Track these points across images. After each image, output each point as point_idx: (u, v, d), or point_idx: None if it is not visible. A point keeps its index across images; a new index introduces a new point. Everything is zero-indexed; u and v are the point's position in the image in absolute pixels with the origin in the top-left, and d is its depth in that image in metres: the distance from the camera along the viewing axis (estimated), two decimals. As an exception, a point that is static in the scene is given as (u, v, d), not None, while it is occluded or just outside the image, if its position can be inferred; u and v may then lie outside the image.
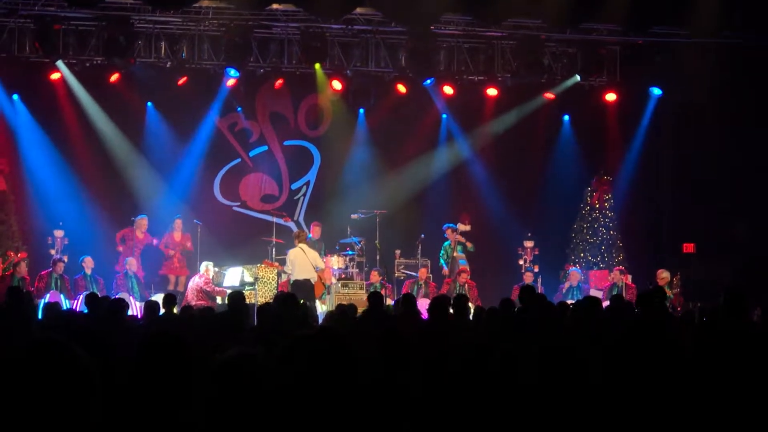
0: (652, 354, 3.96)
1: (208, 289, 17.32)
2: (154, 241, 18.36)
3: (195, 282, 17.55)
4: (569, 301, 13.91)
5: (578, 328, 8.22)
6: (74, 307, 16.14)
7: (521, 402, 4.07)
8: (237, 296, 9.96)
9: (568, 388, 4.00)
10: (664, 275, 17.58)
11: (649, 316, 8.75)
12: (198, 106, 19.72)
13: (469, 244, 19.19)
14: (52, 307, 12.61)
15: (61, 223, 18.22)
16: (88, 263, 17.47)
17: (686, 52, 19.00)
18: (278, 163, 20.82)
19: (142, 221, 18.33)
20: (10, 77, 18.68)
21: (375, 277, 18.29)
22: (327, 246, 18.96)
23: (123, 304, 10.78)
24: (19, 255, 17.58)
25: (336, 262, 18.65)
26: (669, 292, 16.78)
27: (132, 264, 17.73)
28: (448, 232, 19.20)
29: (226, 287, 17.28)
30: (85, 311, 13.13)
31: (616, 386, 3.96)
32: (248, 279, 18.04)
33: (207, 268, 17.73)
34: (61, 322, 9.05)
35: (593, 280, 19.57)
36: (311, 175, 20.97)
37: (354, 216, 19.39)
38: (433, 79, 19.60)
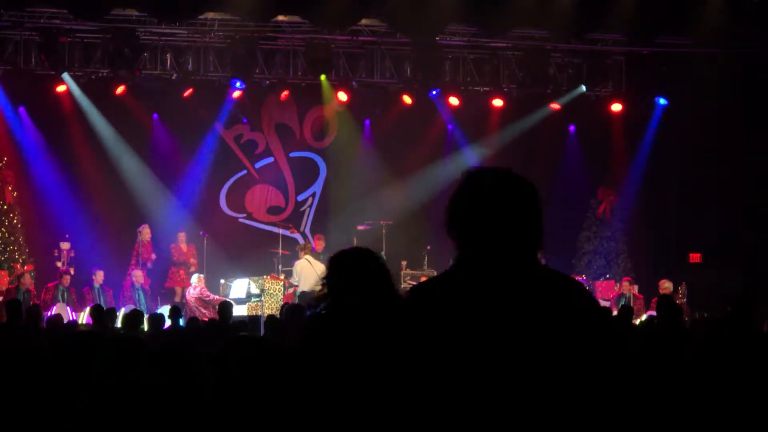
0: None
1: (205, 298, 17.36)
2: (153, 257, 18.33)
3: (191, 294, 17.65)
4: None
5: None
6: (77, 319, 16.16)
7: None
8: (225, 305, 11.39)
9: None
10: (666, 285, 17.53)
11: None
12: (203, 118, 19.73)
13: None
14: (56, 320, 12.57)
15: (67, 236, 18.20)
16: (99, 277, 17.47)
17: (692, 62, 18.97)
18: (284, 174, 20.80)
19: (145, 229, 18.33)
20: (16, 90, 18.66)
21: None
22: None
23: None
24: (25, 267, 17.58)
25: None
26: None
27: (138, 276, 17.74)
28: None
29: (232, 299, 17.25)
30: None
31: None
32: (254, 291, 18.02)
33: (199, 278, 17.87)
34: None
35: (600, 290, 19.49)
36: (317, 187, 20.96)
37: (360, 227, 19.35)
38: (438, 89, 19.60)
